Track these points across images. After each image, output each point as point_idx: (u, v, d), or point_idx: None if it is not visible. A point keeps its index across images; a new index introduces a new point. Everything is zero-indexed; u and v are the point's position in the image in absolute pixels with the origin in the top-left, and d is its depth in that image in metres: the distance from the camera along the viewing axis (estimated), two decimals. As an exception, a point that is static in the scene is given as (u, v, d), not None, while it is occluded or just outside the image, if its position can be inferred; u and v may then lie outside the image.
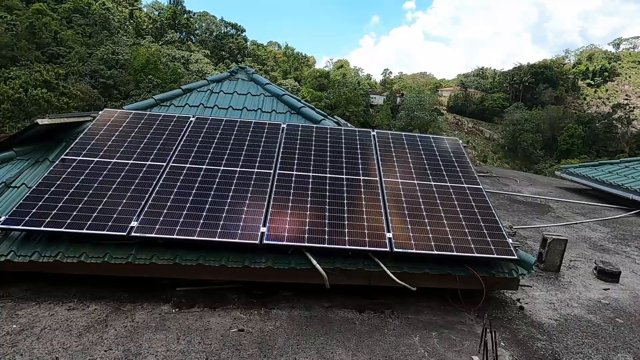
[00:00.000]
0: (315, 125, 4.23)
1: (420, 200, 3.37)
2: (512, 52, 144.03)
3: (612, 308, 3.37)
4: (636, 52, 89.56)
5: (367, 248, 2.86)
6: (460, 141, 4.30)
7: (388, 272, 2.88)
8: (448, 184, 3.60)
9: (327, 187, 3.37)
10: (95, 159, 3.44)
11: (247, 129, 4.03)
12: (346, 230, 2.97)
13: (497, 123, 74.99)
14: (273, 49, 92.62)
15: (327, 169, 3.58)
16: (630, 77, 79.01)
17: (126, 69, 47.58)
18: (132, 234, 2.79)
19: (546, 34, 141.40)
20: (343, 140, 3.99)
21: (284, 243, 2.84)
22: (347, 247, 2.86)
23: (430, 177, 3.67)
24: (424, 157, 3.94)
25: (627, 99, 74.01)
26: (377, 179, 3.54)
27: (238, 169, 3.47)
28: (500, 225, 3.20)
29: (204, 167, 3.46)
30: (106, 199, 3.04)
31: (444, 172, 3.75)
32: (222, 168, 3.46)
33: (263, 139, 3.89)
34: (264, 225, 2.92)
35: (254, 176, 3.41)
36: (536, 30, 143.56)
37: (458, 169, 3.83)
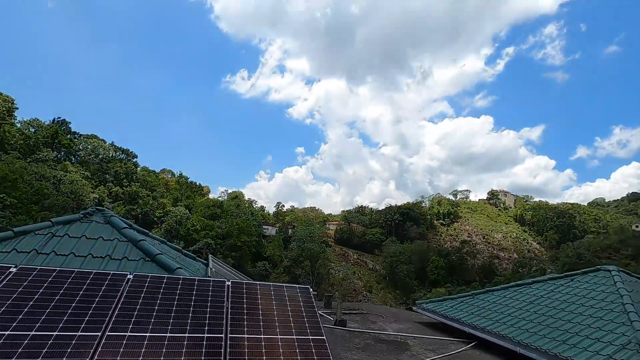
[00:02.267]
0: (166, 276, 4.11)
1: (264, 357, 3.35)
2: (385, 193, 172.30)
3: None
4: (468, 201, 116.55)
5: None
6: (311, 289, 4.66)
7: None
8: (294, 336, 3.72)
9: (164, 350, 3.12)
10: None
11: (82, 281, 3.67)
12: (174, 404, 2.67)
13: (378, 255, 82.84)
14: (165, 176, 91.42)
15: (169, 327, 3.38)
16: (468, 219, 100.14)
17: (-31, 186, 39.92)
18: None
19: (406, 182, 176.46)
20: (194, 293, 3.93)
21: None
22: None
23: (278, 329, 3.76)
24: (274, 308, 4.09)
25: (469, 237, 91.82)
26: (222, 335, 3.46)
27: (55, 334, 3.00)
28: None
29: (6, 333, 2.89)
30: None
31: (292, 324, 3.90)
32: (32, 333, 2.95)
33: (100, 293, 3.56)
34: (67, 410, 2.44)
35: (74, 341, 2.97)
36: (399, 179, 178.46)
37: (305, 319, 4.04)
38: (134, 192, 66.98)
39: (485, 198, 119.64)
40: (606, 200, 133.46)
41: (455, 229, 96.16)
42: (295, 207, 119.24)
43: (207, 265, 6.28)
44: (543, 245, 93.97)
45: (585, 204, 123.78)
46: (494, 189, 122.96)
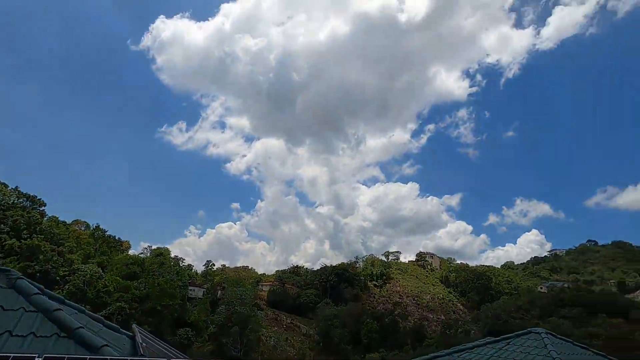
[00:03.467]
0: (89, 357, 3.30)
1: None
2: (320, 253, 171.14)
3: None
4: (399, 262, 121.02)
5: None
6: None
7: None
8: None
9: None
10: None
11: (-31, 370, 2.75)
12: None
13: (311, 318, 79.42)
14: (78, 228, 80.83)
15: None
16: (399, 280, 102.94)
17: None
18: None
19: (341, 242, 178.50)
20: (125, 378, 3.18)
21: None
22: None
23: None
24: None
25: (401, 299, 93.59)
26: None
27: None
28: None
29: None
30: None
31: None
32: None
33: (-7, 387, 2.68)
34: None
35: None
36: (334, 238, 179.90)
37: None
38: (34, 245, 57.36)
39: (414, 259, 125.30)
40: (515, 263, 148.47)
41: (387, 290, 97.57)
42: (226, 266, 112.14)
43: (133, 338, 5.31)
44: (466, 306, 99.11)
45: (499, 267, 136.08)
46: (422, 250, 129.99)
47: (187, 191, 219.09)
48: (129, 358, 3.37)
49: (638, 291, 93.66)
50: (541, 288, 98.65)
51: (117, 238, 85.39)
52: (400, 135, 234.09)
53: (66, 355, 3.26)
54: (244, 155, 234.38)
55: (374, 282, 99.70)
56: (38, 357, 3.12)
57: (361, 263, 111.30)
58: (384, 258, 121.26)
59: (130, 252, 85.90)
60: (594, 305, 64.45)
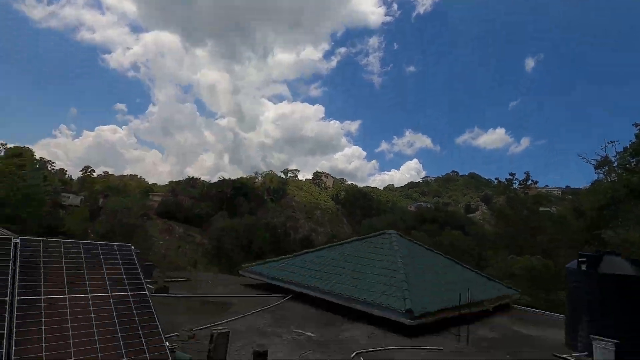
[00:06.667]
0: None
1: (69, 316, 2.91)
2: (219, 167, 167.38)
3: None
4: (296, 180, 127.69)
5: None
6: (132, 247, 4.25)
7: None
8: (109, 293, 3.36)
9: None
10: None
11: None
12: None
13: (206, 230, 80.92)
14: None
15: None
16: (294, 196, 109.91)
17: None
18: None
19: (241, 157, 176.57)
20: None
21: None
22: None
23: (89, 288, 3.31)
24: (85, 267, 3.55)
25: (293, 213, 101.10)
26: (7, 298, 2.79)
27: None
28: (160, 331, 3.25)
29: None
30: None
31: (107, 282, 3.50)
32: None
33: None
34: None
35: None
36: (234, 152, 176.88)
37: (125, 277, 3.69)
38: None
39: (311, 178, 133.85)
40: (395, 186, 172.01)
41: (282, 205, 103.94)
42: (110, 173, 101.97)
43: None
44: (351, 222, 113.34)
45: (382, 189, 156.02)
46: (319, 170, 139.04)
47: (50, 80, 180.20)
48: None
49: (477, 211, 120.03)
50: (411, 207, 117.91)
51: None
52: (312, 53, 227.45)
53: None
54: (129, 48, 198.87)
55: (271, 197, 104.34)
56: None
57: (260, 178, 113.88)
58: (282, 175, 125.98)
59: (-25, 150, 70.08)
60: (445, 221, 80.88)
